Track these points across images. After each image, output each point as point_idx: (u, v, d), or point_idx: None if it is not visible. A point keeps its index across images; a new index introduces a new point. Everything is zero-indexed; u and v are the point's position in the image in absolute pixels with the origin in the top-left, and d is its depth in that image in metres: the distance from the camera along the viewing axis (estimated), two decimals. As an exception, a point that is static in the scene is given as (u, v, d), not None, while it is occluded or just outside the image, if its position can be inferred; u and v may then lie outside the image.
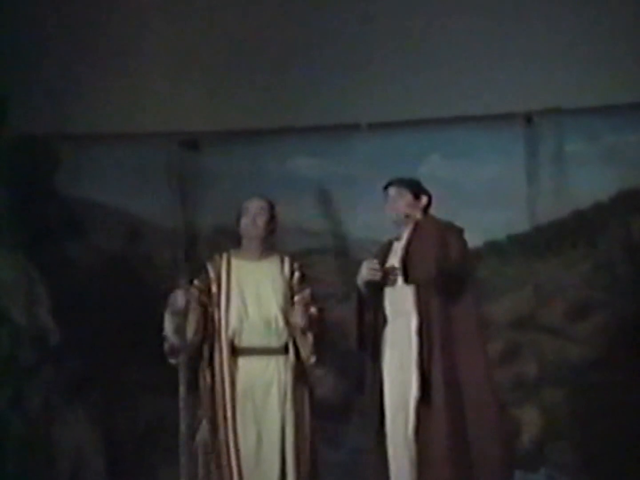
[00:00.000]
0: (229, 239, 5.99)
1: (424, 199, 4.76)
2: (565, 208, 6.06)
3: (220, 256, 4.71)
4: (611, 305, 6.02)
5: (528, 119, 6.03)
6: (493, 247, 6.07)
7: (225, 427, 4.59)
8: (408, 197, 4.76)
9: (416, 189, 4.77)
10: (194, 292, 4.58)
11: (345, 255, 6.19)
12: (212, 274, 4.62)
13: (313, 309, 4.58)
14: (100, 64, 6.05)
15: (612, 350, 5.97)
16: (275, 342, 4.62)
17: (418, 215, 4.73)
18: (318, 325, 4.59)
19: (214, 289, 4.62)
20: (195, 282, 4.63)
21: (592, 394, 5.96)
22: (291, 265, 4.72)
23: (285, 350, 4.62)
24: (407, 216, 4.74)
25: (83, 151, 6.28)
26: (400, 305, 4.59)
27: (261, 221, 4.66)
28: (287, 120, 6.11)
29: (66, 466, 6.30)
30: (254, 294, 4.64)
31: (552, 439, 5.99)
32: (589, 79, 5.86)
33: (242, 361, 4.63)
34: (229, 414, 4.58)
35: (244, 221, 4.67)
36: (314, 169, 6.21)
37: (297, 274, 4.70)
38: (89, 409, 6.27)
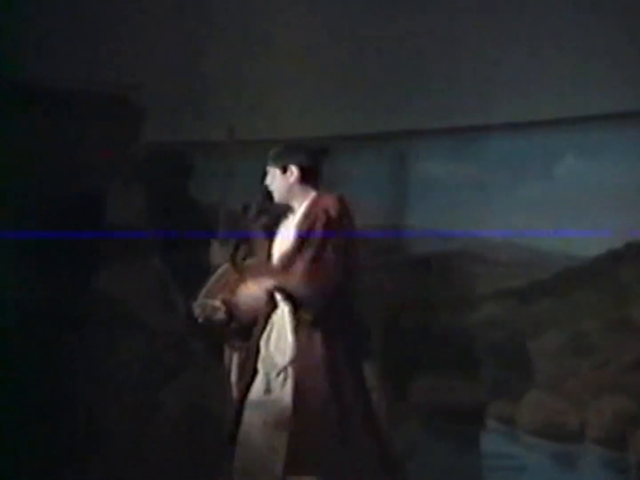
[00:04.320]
0: (362, 244, 5.97)
1: (294, 172, 4.46)
2: None
3: None
4: None
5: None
6: (634, 249, 5.87)
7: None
8: (277, 174, 4.49)
9: (284, 161, 4.46)
10: None
11: (479, 259, 6.10)
12: None
13: None
14: (231, 72, 6.10)
15: None
16: None
17: (296, 190, 4.43)
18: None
19: None
20: None
21: None
22: None
23: None
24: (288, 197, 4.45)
25: (217, 159, 6.35)
26: None
27: None
28: (417, 123, 6.04)
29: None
30: None
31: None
32: None
33: None
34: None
35: None
36: (446, 172, 6.12)
37: None
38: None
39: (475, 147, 6.03)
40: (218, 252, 4.66)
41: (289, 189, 4.52)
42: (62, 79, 5.53)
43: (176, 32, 5.95)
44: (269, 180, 4.56)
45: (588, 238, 5.74)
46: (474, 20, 5.93)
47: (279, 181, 4.52)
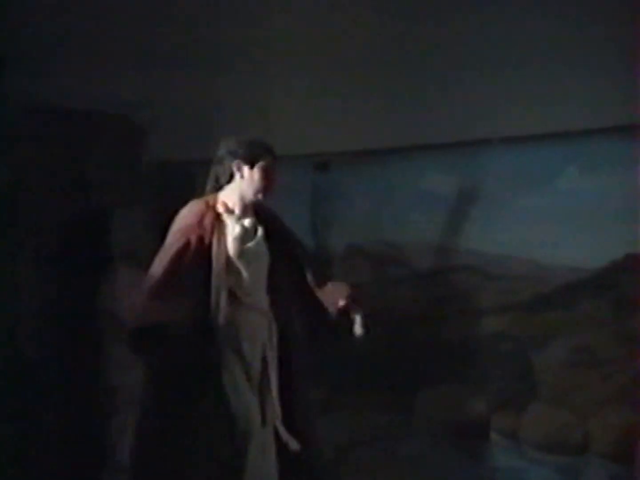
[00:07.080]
0: (363, 258, 5.99)
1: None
2: None
3: None
4: None
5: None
6: (635, 260, 5.85)
7: None
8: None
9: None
10: None
11: (481, 273, 6.11)
12: None
13: None
14: (234, 88, 6.13)
15: None
16: None
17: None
18: None
19: None
20: None
21: None
22: None
23: None
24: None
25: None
26: None
27: None
28: (419, 138, 6.05)
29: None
30: None
31: None
32: None
33: None
34: None
35: None
36: (448, 187, 6.14)
37: None
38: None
39: (476, 161, 6.05)
40: None
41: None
42: (64, 98, 5.60)
43: (181, 50, 6.01)
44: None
45: (590, 250, 5.75)
46: (476, 32, 5.95)
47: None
